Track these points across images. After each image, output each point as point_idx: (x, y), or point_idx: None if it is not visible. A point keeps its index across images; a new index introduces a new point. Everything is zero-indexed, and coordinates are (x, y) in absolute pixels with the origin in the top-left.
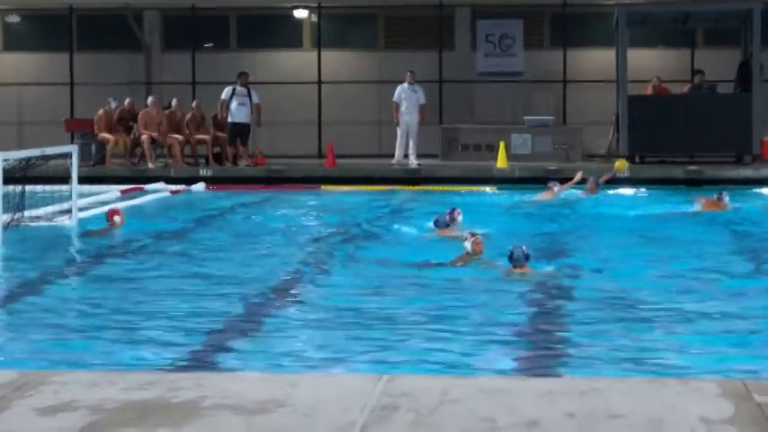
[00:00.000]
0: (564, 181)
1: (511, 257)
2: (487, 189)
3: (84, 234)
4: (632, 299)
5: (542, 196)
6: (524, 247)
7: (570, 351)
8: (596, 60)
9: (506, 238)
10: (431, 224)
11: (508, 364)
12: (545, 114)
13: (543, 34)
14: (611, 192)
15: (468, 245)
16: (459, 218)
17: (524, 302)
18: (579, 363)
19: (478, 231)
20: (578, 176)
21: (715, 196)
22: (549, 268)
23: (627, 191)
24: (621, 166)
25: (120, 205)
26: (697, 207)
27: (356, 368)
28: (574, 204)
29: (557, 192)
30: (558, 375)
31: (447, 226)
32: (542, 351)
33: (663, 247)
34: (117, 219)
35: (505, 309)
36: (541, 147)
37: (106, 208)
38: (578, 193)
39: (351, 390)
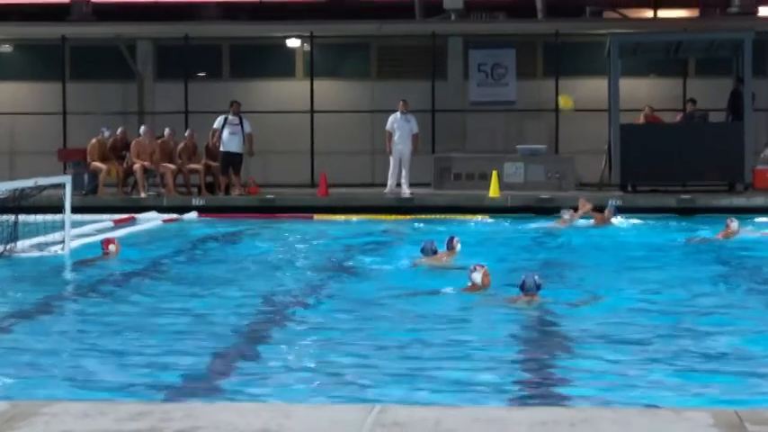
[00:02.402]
0: (576, 210)
1: (522, 286)
2: (479, 218)
3: (77, 264)
4: (628, 329)
5: (555, 224)
6: (537, 277)
7: (564, 381)
8: (588, 89)
9: (515, 267)
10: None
11: (502, 393)
12: (537, 143)
13: (536, 64)
14: (622, 221)
15: (477, 276)
16: (458, 246)
17: (520, 332)
18: (573, 393)
19: (473, 262)
20: (587, 207)
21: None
22: (554, 297)
23: (637, 220)
24: (566, 104)
25: (113, 234)
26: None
27: (349, 398)
28: (583, 233)
29: (568, 220)
30: (552, 405)
31: (434, 253)
32: (536, 381)
33: (662, 276)
34: (112, 248)
35: (501, 338)
36: (534, 176)
37: (99, 237)
38: (590, 222)
39: (343, 420)
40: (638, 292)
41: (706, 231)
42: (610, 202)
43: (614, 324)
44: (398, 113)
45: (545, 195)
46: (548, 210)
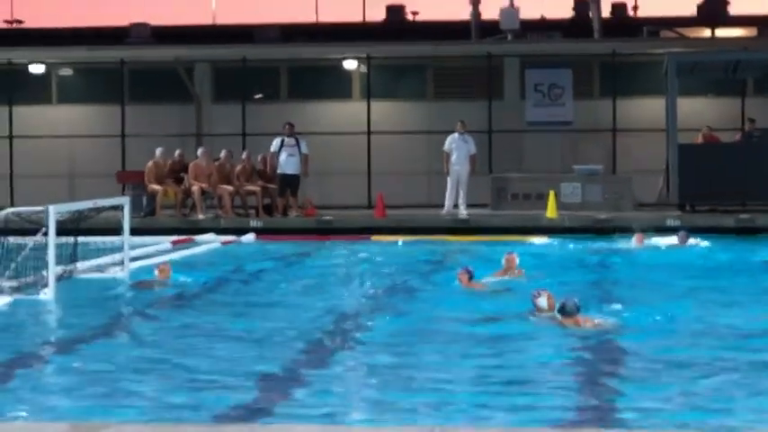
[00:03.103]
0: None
1: (563, 310)
2: (536, 239)
3: (133, 286)
4: (693, 352)
5: (631, 244)
6: (576, 300)
7: (625, 404)
8: (646, 109)
9: (577, 288)
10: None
11: (561, 417)
12: (594, 163)
13: (592, 84)
14: (705, 243)
15: (543, 301)
16: (516, 262)
17: (581, 354)
18: (635, 417)
19: (535, 286)
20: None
21: None
22: (609, 318)
23: (716, 242)
24: None
25: (170, 257)
26: None
27: (408, 421)
28: (660, 254)
29: (640, 242)
30: (610, 428)
31: (471, 278)
32: (596, 404)
33: (728, 298)
34: (162, 272)
35: (561, 361)
36: (591, 196)
37: (157, 259)
38: (667, 243)
39: None
40: (704, 314)
41: None
42: (668, 221)
43: (678, 347)
44: (456, 134)
45: (603, 216)
46: (606, 230)
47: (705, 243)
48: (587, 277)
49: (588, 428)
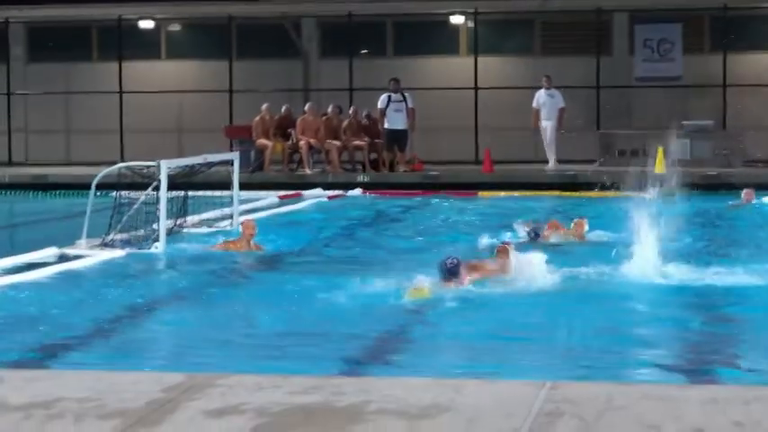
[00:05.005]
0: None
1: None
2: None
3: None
4: None
5: (738, 203)
6: (450, 260)
7: (733, 358)
8: (758, 64)
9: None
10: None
11: (672, 371)
12: (704, 119)
13: (703, 38)
14: None
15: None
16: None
17: (682, 310)
18: (741, 369)
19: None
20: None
21: None
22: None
23: None
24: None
25: (278, 211)
26: None
27: (517, 375)
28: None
29: (750, 198)
30: (722, 382)
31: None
32: (708, 358)
33: None
34: (248, 229)
35: (668, 317)
36: (700, 152)
37: (264, 214)
38: None
39: (514, 396)
40: None
41: None
42: None
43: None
44: (543, 90)
45: (712, 172)
46: (714, 186)
47: None
48: (689, 233)
49: (701, 383)
